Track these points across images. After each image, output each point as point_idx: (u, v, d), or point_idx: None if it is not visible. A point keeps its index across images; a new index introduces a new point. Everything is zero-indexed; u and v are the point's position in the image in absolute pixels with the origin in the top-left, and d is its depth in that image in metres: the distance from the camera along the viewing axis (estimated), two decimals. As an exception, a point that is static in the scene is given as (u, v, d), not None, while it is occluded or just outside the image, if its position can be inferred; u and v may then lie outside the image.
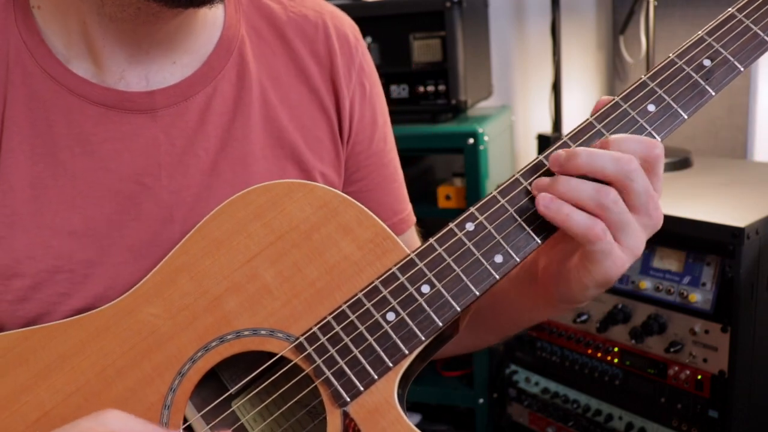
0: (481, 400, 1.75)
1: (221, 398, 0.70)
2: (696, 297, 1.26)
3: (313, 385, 0.65)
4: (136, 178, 0.73)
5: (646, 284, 1.33)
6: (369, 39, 1.70)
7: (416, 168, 1.90)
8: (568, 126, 1.90)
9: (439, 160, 2.01)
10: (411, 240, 0.91)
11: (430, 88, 1.69)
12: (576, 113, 2.00)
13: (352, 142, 0.86)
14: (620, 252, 0.64)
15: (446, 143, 1.67)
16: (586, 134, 0.67)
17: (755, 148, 1.76)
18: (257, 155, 0.78)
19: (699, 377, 1.27)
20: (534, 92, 2.08)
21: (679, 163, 1.59)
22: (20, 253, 0.69)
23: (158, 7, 0.67)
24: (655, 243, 1.33)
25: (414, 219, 0.93)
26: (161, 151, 0.74)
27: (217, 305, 0.68)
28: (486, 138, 1.63)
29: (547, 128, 1.93)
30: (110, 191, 0.72)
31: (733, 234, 1.19)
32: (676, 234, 1.29)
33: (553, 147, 0.67)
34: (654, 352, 1.34)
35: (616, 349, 1.40)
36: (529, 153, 2.14)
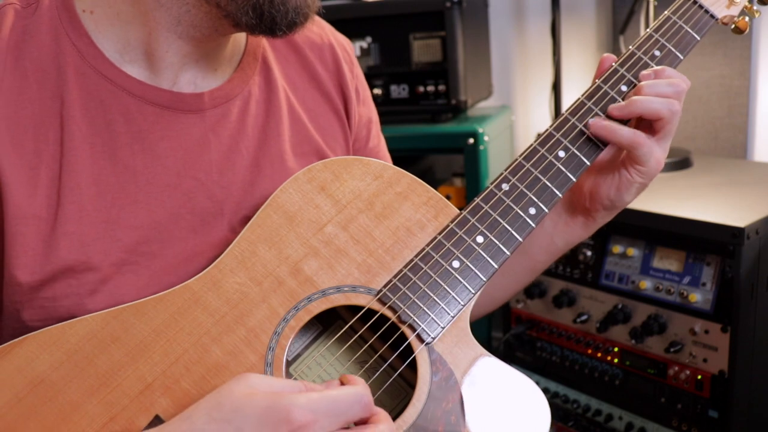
0: (481, 400, 1.75)
1: (288, 377, 0.75)
2: (696, 297, 1.26)
3: (399, 331, 0.74)
4: (191, 174, 0.78)
5: (646, 284, 1.33)
6: (369, 39, 1.70)
7: (416, 168, 1.90)
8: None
9: (439, 160, 2.01)
10: None
11: (430, 88, 1.69)
12: (576, 113, 2.00)
13: (352, 141, 0.94)
14: (660, 153, 0.84)
15: (446, 143, 1.67)
16: (581, 110, 0.84)
17: (755, 148, 1.76)
18: (289, 153, 0.85)
19: (699, 377, 1.27)
20: (534, 92, 2.08)
21: (679, 163, 1.59)
22: (91, 247, 0.73)
23: (234, 30, 0.75)
24: (655, 243, 1.34)
25: None
26: (211, 149, 0.79)
27: (299, 270, 0.75)
28: (486, 138, 1.63)
29: (547, 128, 1.93)
30: (169, 186, 0.77)
31: (733, 234, 1.19)
32: (676, 234, 1.29)
33: (557, 122, 0.83)
34: (654, 352, 1.34)
35: (616, 349, 1.40)
36: (529, 153, 2.13)
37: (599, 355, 1.43)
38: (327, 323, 0.79)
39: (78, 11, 0.75)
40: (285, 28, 0.73)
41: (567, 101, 1.93)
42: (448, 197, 1.70)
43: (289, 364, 0.77)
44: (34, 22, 0.74)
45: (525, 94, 2.11)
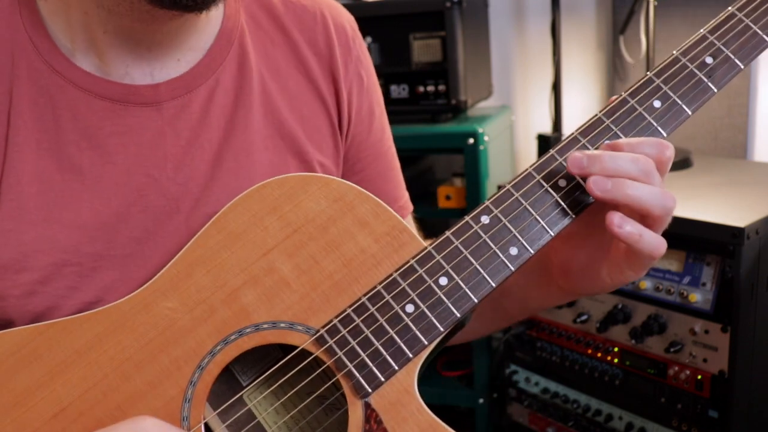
0: (481, 400, 1.75)
1: (236, 396, 0.70)
2: (696, 297, 1.26)
3: (335, 378, 0.65)
4: (143, 171, 0.73)
5: (646, 284, 1.33)
6: (369, 39, 1.70)
7: (416, 168, 1.90)
8: (568, 126, 1.90)
9: (439, 160, 2.01)
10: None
11: (430, 88, 1.69)
12: (576, 113, 2.00)
13: (352, 134, 0.86)
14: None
15: (446, 143, 1.67)
16: (595, 129, 0.69)
17: (755, 148, 1.76)
18: (259, 146, 0.78)
19: (699, 377, 1.27)
20: (534, 92, 2.08)
21: (679, 163, 1.59)
22: (28, 246, 0.69)
23: (149, 6, 0.67)
24: (655, 243, 1.33)
25: (411, 206, 0.95)
26: (167, 143, 0.74)
27: (235, 298, 0.68)
28: (486, 138, 1.63)
29: (547, 128, 1.93)
30: (117, 184, 0.72)
31: (733, 234, 1.19)
32: (676, 234, 1.28)
33: (564, 141, 0.69)
34: (654, 352, 1.34)
35: (616, 349, 1.40)
36: (529, 153, 2.14)
37: (599, 355, 1.43)
38: (289, 348, 0.72)
39: (37, 0, 0.72)
40: (192, 3, 0.65)
41: (567, 101, 1.93)
42: (447, 197, 1.70)
43: (243, 389, 0.72)
44: None
45: (525, 94, 2.11)
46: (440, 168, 2.01)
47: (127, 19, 0.71)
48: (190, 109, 0.75)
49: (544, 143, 1.77)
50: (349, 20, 0.88)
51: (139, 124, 0.73)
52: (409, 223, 0.92)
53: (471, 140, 1.61)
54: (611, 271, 0.72)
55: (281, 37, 0.82)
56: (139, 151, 0.73)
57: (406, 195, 0.93)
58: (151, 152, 0.73)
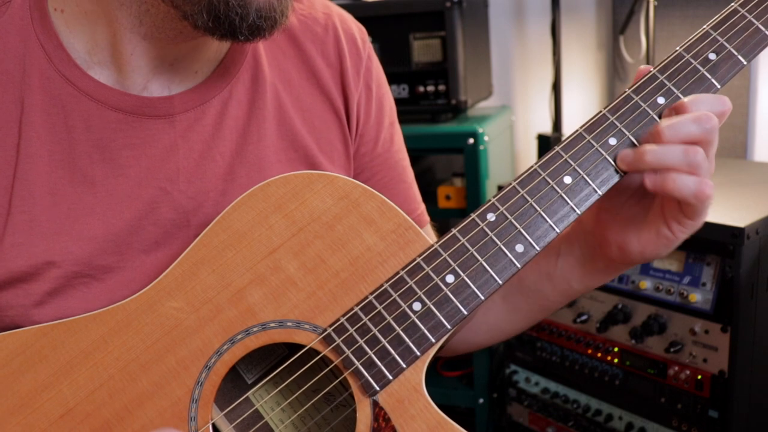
0: (481, 400, 1.75)
1: (243, 396, 0.71)
2: (696, 297, 1.26)
3: (342, 376, 0.66)
4: (155, 184, 0.73)
5: (646, 284, 1.33)
6: (369, 39, 1.70)
7: (416, 168, 1.89)
8: (568, 126, 1.90)
9: (439, 160, 2.01)
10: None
11: (430, 88, 1.69)
12: (576, 113, 2.00)
13: (357, 144, 0.86)
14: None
15: (446, 143, 1.67)
16: (600, 126, 0.69)
17: (755, 148, 1.76)
18: (271, 159, 0.78)
19: (699, 377, 1.27)
20: (534, 92, 2.08)
21: (679, 163, 1.59)
22: (39, 258, 0.69)
23: (199, 32, 0.67)
24: (655, 243, 1.34)
25: (427, 219, 0.93)
26: (180, 156, 0.74)
27: (241, 298, 0.68)
28: (486, 138, 1.63)
29: (547, 128, 1.94)
30: (129, 197, 0.72)
31: (733, 234, 1.19)
32: (676, 234, 1.29)
33: (569, 138, 0.69)
34: (654, 352, 1.34)
35: (616, 349, 1.40)
36: (529, 153, 2.14)
37: (599, 355, 1.43)
38: (294, 346, 0.72)
39: (50, 10, 0.71)
40: (247, 33, 0.66)
41: (567, 101, 1.93)
42: (447, 197, 1.70)
43: (249, 387, 0.72)
44: (3, 22, 0.71)
45: (525, 94, 2.11)
46: (440, 168, 2.01)
47: (162, 43, 0.71)
48: (203, 122, 0.75)
49: (544, 143, 1.77)
50: (359, 31, 0.88)
51: (152, 136, 0.73)
52: (429, 234, 0.91)
53: (471, 140, 1.61)
54: (663, 235, 0.72)
55: (293, 49, 0.82)
56: (152, 163, 0.73)
57: (420, 209, 0.91)
58: (164, 165, 0.73)
